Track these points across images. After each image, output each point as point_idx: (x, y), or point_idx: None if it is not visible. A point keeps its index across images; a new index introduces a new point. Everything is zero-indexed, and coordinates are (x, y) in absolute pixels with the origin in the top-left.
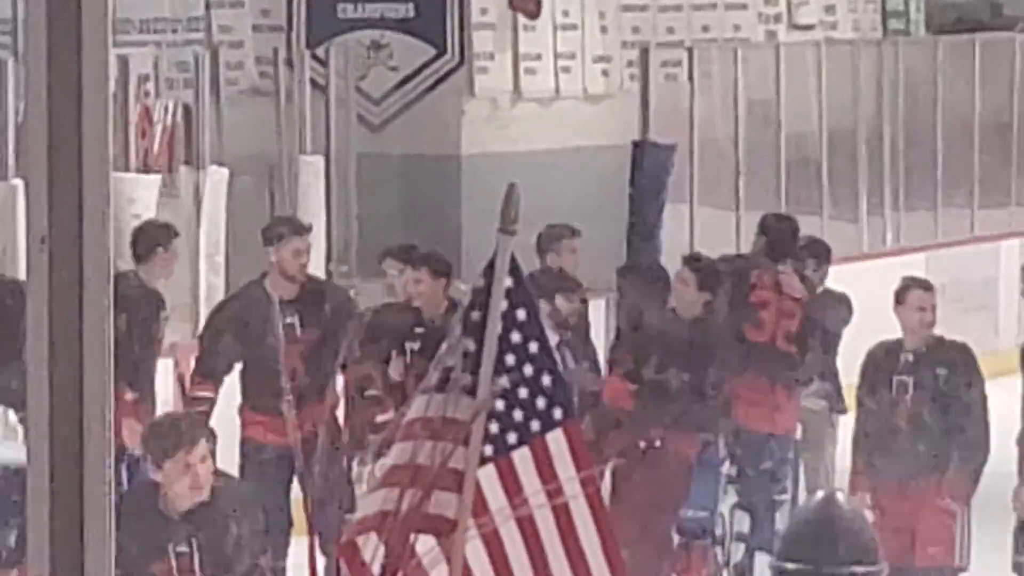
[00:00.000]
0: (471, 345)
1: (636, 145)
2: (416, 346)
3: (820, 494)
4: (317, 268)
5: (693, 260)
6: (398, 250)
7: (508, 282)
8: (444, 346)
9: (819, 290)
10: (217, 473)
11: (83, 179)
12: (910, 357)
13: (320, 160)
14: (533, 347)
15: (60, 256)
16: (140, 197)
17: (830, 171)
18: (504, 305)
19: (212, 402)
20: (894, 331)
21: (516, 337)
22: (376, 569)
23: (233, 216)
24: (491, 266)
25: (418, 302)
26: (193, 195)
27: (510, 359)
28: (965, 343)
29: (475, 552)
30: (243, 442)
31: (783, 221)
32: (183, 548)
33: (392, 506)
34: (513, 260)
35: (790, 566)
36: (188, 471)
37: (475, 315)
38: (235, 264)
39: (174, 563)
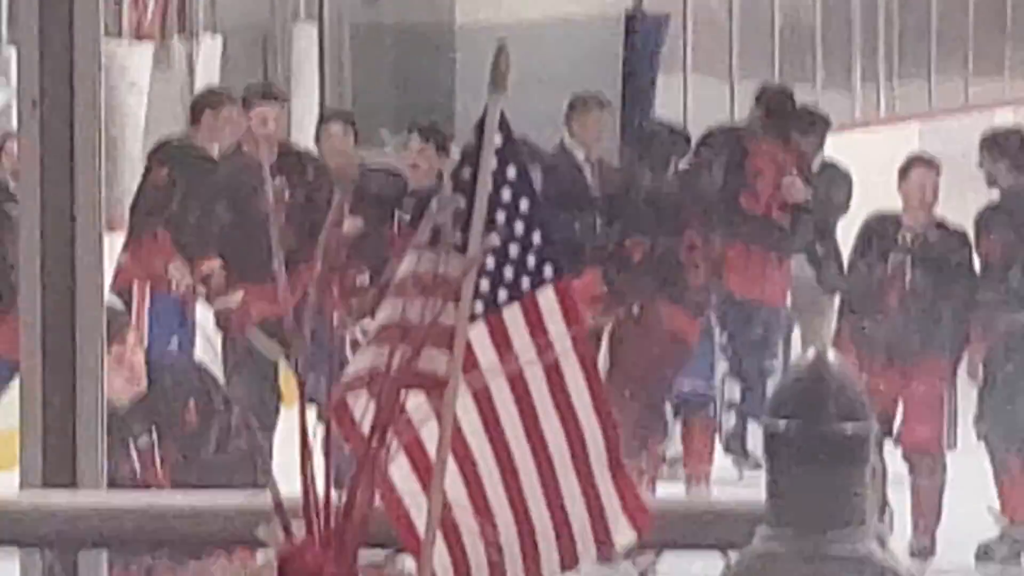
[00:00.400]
0: (461, 202)
1: (629, 15)
2: (407, 216)
3: (810, 352)
4: (310, 138)
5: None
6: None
7: (498, 140)
8: (434, 203)
9: (817, 162)
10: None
11: (74, 43)
12: (908, 236)
13: (314, 28)
14: (523, 205)
15: (51, 118)
16: (133, 65)
17: (824, 39)
18: (494, 163)
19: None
20: (886, 200)
21: (506, 195)
22: (366, 426)
23: (226, 84)
24: (482, 124)
25: (413, 171)
26: (186, 63)
27: (500, 216)
28: (965, 232)
29: (465, 407)
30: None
31: (781, 93)
32: (144, 440)
33: (382, 363)
34: (503, 118)
35: (780, 424)
36: (122, 364)
37: (465, 172)
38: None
39: (136, 459)
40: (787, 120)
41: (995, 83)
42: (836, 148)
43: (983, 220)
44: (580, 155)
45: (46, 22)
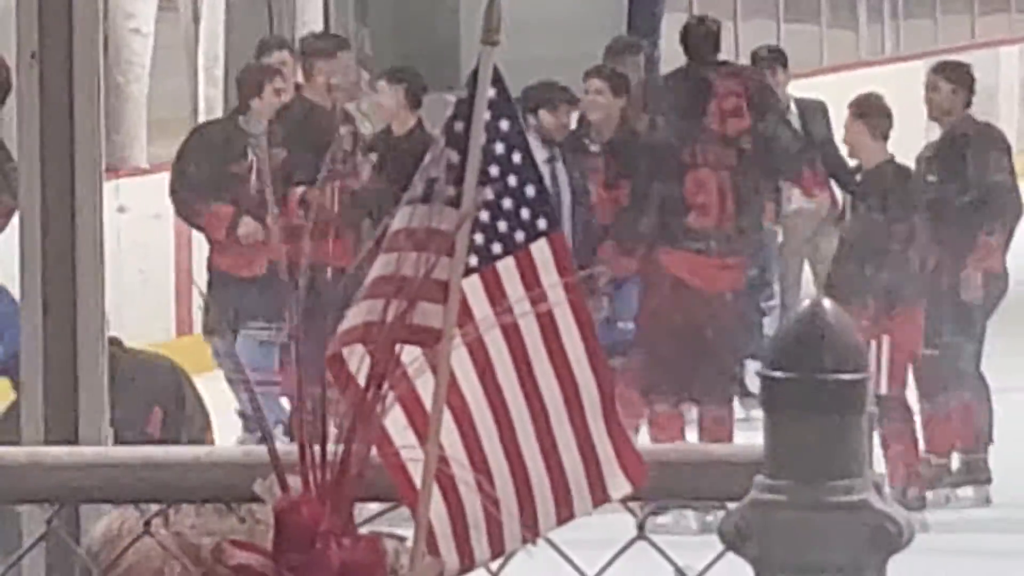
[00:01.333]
0: (454, 156)
1: None
2: (374, 157)
3: (806, 301)
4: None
5: (596, 71)
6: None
7: (491, 93)
8: (428, 157)
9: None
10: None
11: None
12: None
13: None
14: (517, 158)
15: (50, 71)
16: (139, 11)
17: None
18: (487, 116)
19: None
20: (895, 137)
21: (499, 148)
22: (362, 379)
23: (231, 30)
24: (474, 76)
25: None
26: (192, 9)
27: (494, 170)
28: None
29: (460, 360)
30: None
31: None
32: None
33: (377, 317)
34: (496, 71)
35: (777, 374)
36: None
37: (458, 126)
38: (233, 77)
39: None
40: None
41: (1001, 19)
42: (841, 86)
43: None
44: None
45: None
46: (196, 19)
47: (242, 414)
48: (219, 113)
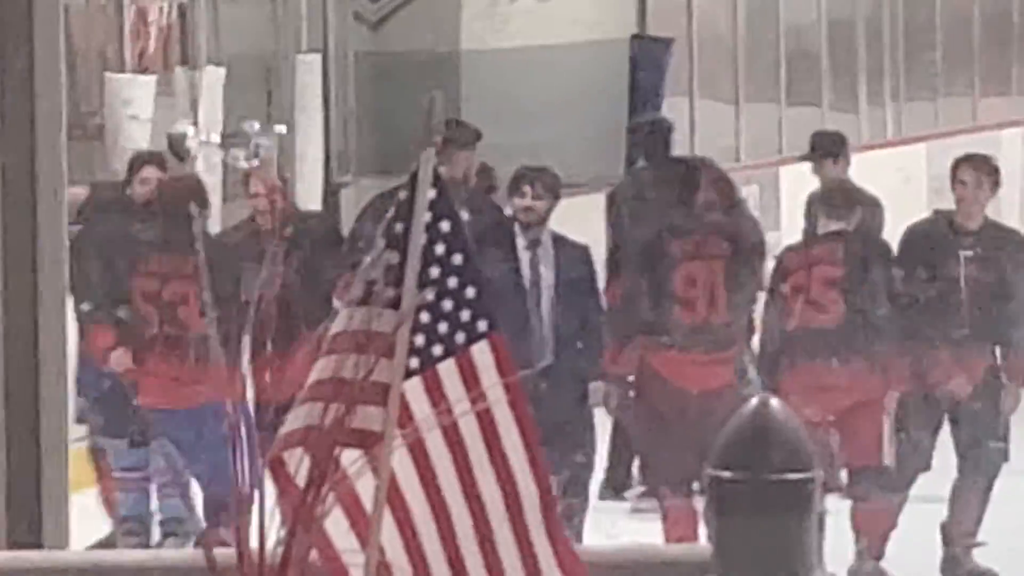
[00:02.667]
0: (394, 257)
1: (634, 39)
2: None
3: (754, 400)
4: (316, 170)
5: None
6: None
7: (431, 193)
8: (367, 259)
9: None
10: None
11: (34, 70)
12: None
13: (317, 59)
14: (457, 259)
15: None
16: (136, 98)
17: (830, 62)
18: (428, 217)
19: None
20: (896, 219)
21: (440, 249)
22: (302, 482)
23: (230, 115)
24: (414, 177)
25: None
26: (189, 95)
27: (434, 271)
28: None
29: (401, 462)
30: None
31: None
32: None
33: (317, 420)
34: (436, 171)
35: (724, 474)
36: None
37: (398, 227)
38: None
39: None
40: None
41: (1002, 102)
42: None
43: None
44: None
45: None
46: (194, 105)
47: (125, 518)
48: (219, 199)
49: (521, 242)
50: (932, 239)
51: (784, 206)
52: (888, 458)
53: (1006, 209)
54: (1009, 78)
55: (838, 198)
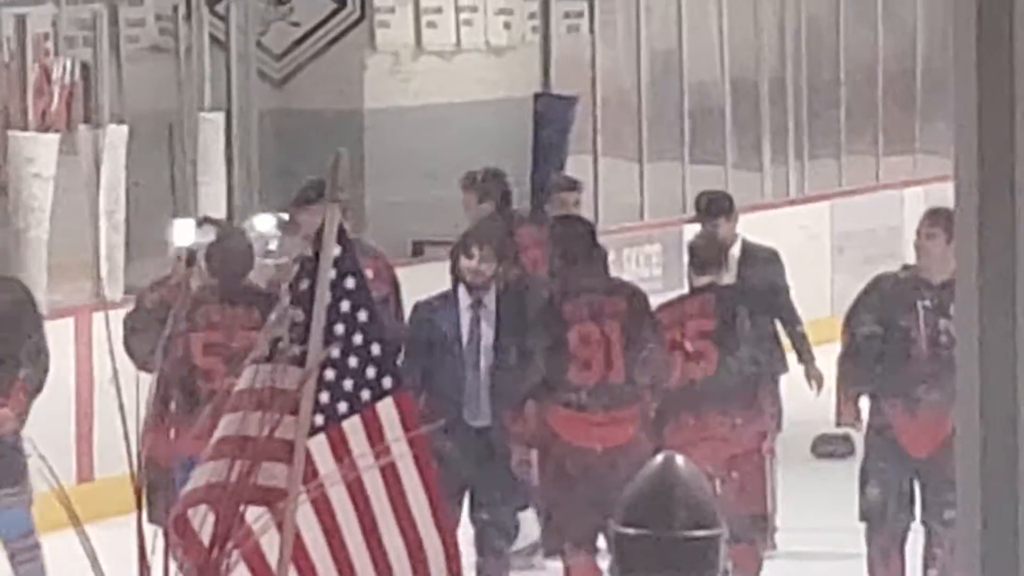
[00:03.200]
0: (299, 315)
1: (537, 97)
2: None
3: (659, 457)
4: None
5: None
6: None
7: (336, 251)
8: (272, 316)
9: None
10: None
11: None
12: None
13: (221, 117)
14: (362, 316)
15: None
16: (39, 156)
17: (733, 120)
18: (332, 274)
19: None
20: (800, 277)
21: (345, 306)
22: (206, 539)
23: (133, 174)
24: (319, 234)
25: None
26: (93, 152)
27: (339, 328)
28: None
29: (305, 518)
30: None
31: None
32: None
33: (221, 477)
34: (341, 228)
35: (628, 531)
36: None
37: (303, 285)
38: (135, 222)
39: None
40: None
41: (905, 160)
42: (747, 228)
43: None
44: None
45: None
46: (97, 164)
47: None
48: (122, 258)
49: (465, 301)
50: (896, 292)
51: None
52: (771, 506)
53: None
54: (912, 137)
55: (703, 253)
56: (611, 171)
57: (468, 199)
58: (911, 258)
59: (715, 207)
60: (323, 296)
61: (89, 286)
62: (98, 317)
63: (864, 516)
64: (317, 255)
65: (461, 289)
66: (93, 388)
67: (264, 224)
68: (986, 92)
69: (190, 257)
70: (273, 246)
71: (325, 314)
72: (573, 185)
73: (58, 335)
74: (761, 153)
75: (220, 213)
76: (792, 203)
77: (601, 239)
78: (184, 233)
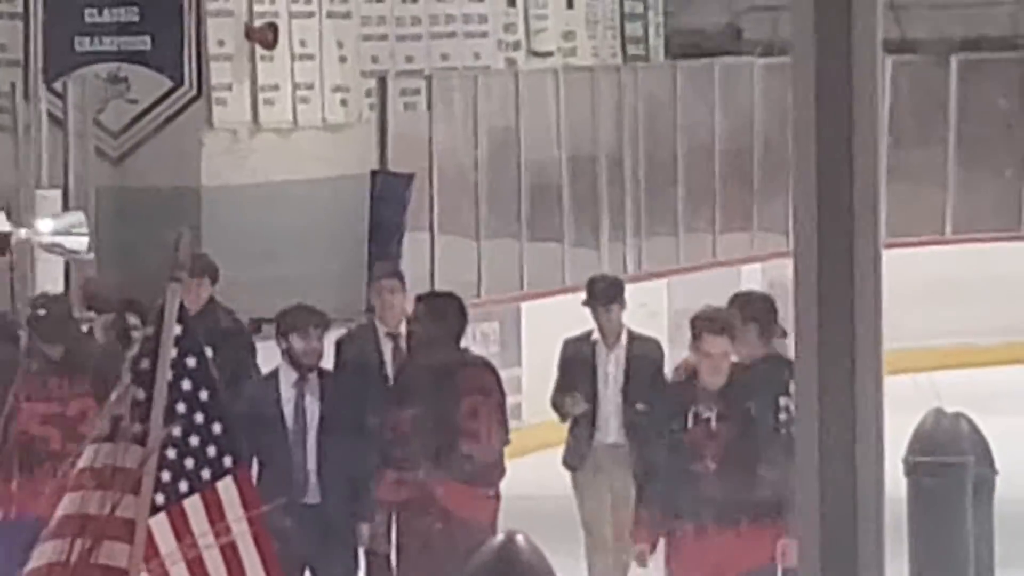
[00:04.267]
0: (140, 394)
1: (374, 175)
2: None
3: (500, 535)
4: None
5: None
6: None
7: (177, 330)
8: (113, 395)
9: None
10: None
11: None
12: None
13: (58, 194)
14: (204, 395)
15: None
16: None
17: (571, 197)
18: (174, 353)
19: None
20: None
21: (187, 385)
22: None
23: None
24: (161, 312)
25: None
26: None
27: (181, 407)
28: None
29: None
30: None
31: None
32: None
33: (62, 557)
34: (182, 307)
35: None
36: None
37: (144, 363)
38: None
39: None
40: None
41: (743, 237)
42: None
43: None
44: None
45: None
46: None
47: None
48: None
49: (290, 377)
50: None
51: (525, 341)
52: None
53: None
54: (750, 214)
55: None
56: (448, 248)
57: None
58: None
59: (611, 292)
60: (164, 375)
61: None
62: None
63: None
64: (159, 334)
65: (288, 366)
66: None
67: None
68: (825, 170)
69: None
70: None
71: (166, 392)
72: (389, 273)
73: None
74: (599, 230)
75: (57, 289)
76: (630, 280)
77: None
78: None
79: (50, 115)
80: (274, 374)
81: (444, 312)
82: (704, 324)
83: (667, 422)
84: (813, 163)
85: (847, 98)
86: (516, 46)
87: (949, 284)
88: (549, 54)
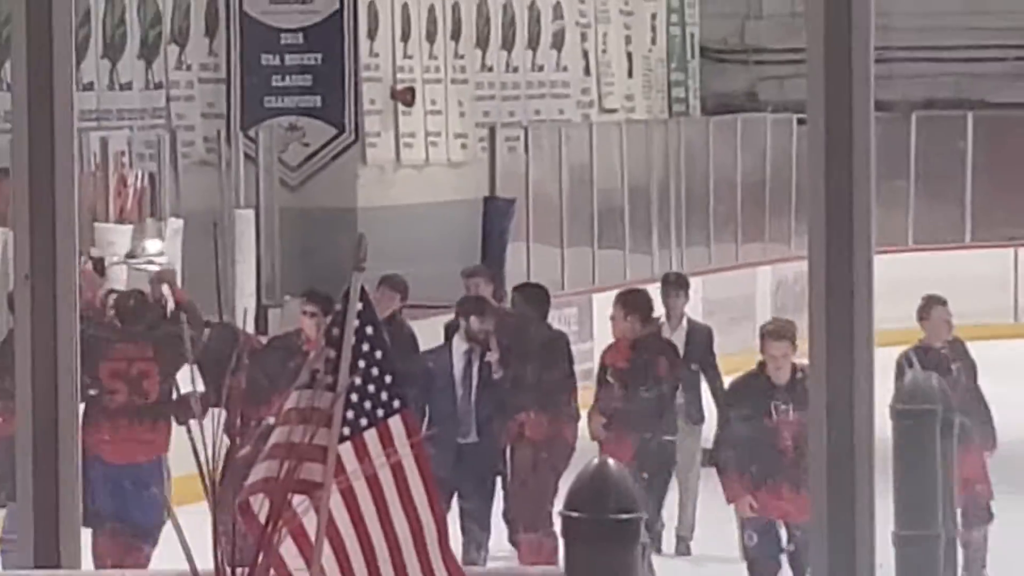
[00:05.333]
0: (332, 353)
1: (486, 200)
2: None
3: (595, 460)
4: (251, 296)
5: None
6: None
7: (359, 305)
8: (312, 354)
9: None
10: None
11: (56, 226)
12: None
13: (251, 213)
14: (378, 354)
15: (40, 287)
16: (117, 241)
17: (630, 217)
18: (356, 323)
19: None
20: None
21: (365, 347)
22: (262, 519)
23: (187, 255)
24: (347, 294)
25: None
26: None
27: (361, 363)
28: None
29: (336, 504)
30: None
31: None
32: None
33: (274, 473)
34: (362, 289)
35: (573, 514)
36: None
37: (335, 331)
38: (189, 293)
39: None
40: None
41: (757, 247)
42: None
43: None
44: None
45: (35, 211)
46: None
47: None
48: None
49: (463, 347)
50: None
51: (596, 322)
52: None
53: (760, 321)
54: (763, 230)
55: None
56: (540, 254)
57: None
58: (760, 318)
59: (680, 283)
60: (349, 339)
61: None
62: None
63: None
64: (345, 309)
65: (462, 339)
66: None
67: None
68: (832, 197)
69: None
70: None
71: (351, 352)
72: (473, 272)
73: None
74: (651, 241)
75: (251, 287)
76: None
77: None
78: None
79: (246, 155)
80: (446, 346)
81: (535, 298)
82: (770, 332)
83: (743, 407)
84: (823, 193)
85: (848, 145)
86: (590, 104)
87: (911, 282)
88: (615, 111)
